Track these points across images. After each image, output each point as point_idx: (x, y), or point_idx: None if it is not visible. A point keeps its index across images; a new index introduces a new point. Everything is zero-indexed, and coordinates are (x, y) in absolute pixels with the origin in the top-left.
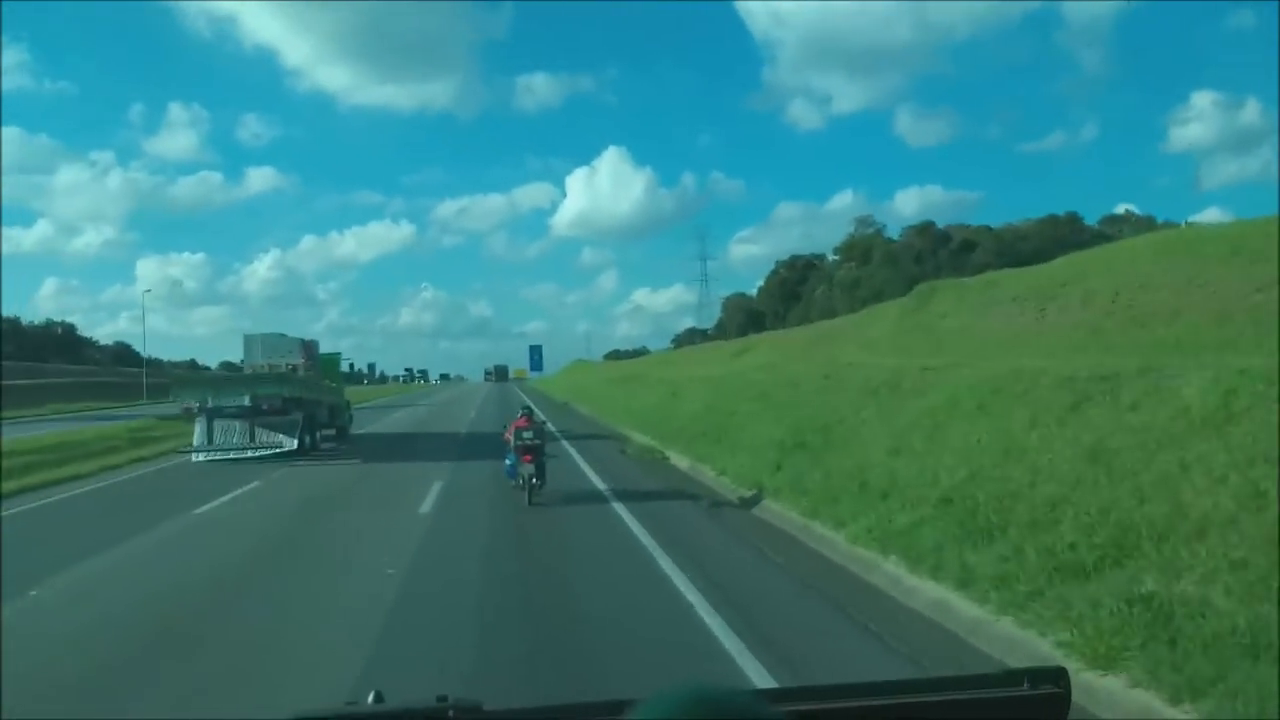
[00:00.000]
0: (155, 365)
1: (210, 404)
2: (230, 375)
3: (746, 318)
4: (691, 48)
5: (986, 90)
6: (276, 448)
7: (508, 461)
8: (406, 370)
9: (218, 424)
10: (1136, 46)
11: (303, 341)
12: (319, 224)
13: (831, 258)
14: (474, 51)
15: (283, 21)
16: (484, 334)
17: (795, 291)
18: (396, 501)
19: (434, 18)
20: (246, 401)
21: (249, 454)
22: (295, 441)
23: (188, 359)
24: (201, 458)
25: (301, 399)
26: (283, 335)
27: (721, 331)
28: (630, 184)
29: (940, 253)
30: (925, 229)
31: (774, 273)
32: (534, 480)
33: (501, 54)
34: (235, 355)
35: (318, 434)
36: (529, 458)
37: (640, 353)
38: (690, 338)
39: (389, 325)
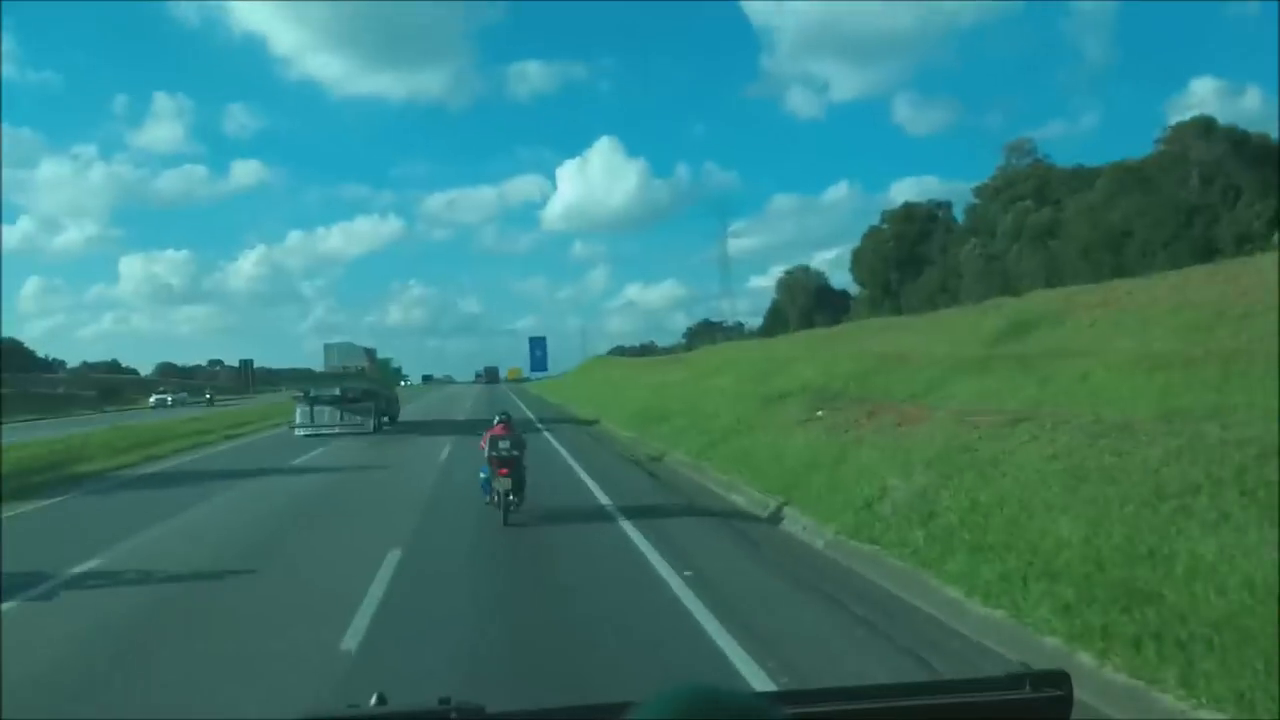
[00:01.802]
0: (52, 368)
1: (312, 393)
2: (326, 373)
3: (814, 300)
4: (688, 35)
5: (986, 79)
6: (357, 426)
7: (482, 474)
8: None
9: (316, 408)
10: (1137, 34)
11: (365, 349)
12: (306, 219)
13: (970, 203)
14: (468, 39)
15: (273, 8)
16: (473, 331)
17: (914, 254)
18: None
19: (428, 5)
20: (337, 392)
21: (337, 430)
22: (370, 422)
23: (109, 359)
24: (302, 433)
25: (372, 391)
26: (352, 344)
27: (780, 321)
28: (623, 175)
29: (1230, 168)
30: (1207, 126)
31: (875, 230)
32: (510, 497)
33: (496, 42)
34: (203, 357)
35: (382, 418)
36: (505, 471)
37: (648, 349)
38: (708, 332)
39: (377, 323)
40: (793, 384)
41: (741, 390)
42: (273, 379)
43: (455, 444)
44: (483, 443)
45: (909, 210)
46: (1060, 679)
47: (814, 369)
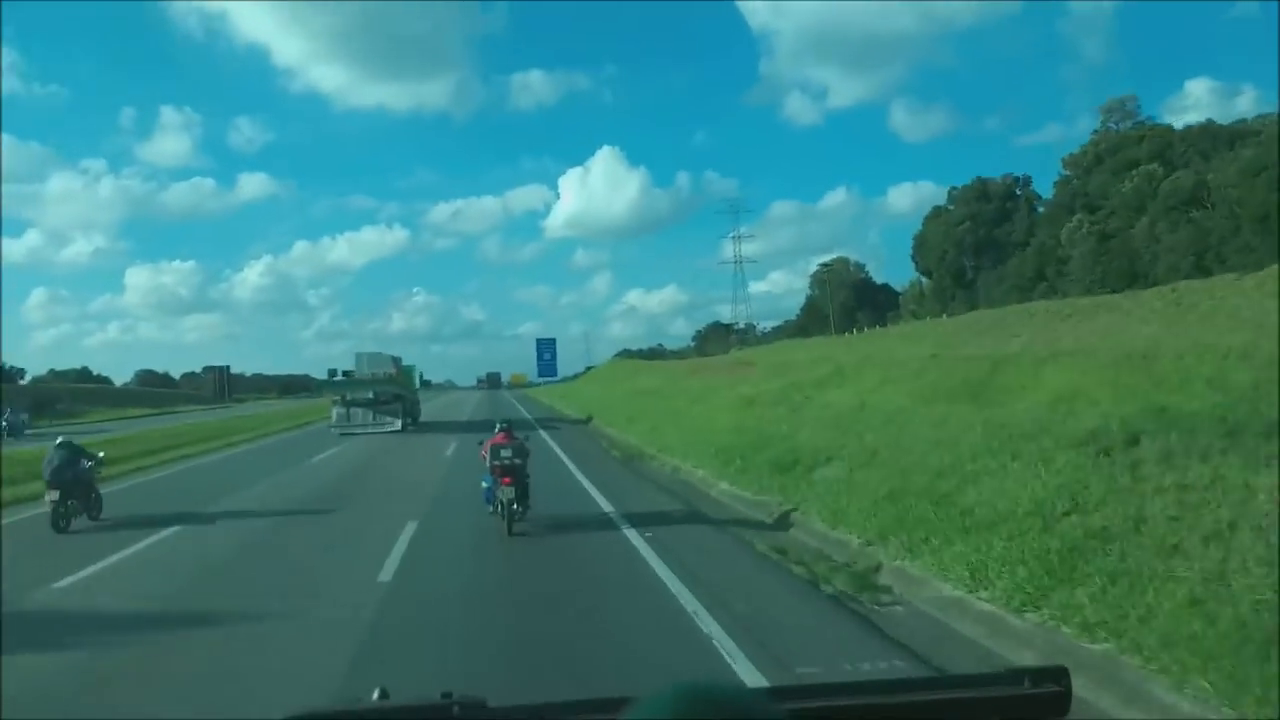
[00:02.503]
0: (10, 376)
1: (348, 397)
2: (360, 379)
3: (855, 295)
4: (689, 42)
5: (983, 82)
6: (387, 425)
7: (484, 484)
8: (330, 373)
9: (352, 409)
10: (1133, 36)
11: (393, 357)
12: (312, 229)
13: (1060, 175)
14: (470, 49)
15: (275, 19)
16: (476, 337)
17: (993, 238)
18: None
19: (430, 13)
20: (371, 395)
21: (370, 429)
22: (399, 422)
23: (80, 367)
24: (338, 431)
25: (400, 395)
26: (379, 353)
27: (817, 319)
28: (624, 184)
29: None
30: None
31: (941, 212)
32: (514, 506)
33: (498, 51)
34: (199, 362)
35: (407, 419)
36: (508, 480)
37: (658, 352)
38: (720, 335)
39: (380, 330)
40: (1074, 412)
41: (947, 414)
42: (264, 386)
43: (419, 526)
44: (483, 452)
45: (984, 186)
46: (1059, 674)
47: (1085, 377)
